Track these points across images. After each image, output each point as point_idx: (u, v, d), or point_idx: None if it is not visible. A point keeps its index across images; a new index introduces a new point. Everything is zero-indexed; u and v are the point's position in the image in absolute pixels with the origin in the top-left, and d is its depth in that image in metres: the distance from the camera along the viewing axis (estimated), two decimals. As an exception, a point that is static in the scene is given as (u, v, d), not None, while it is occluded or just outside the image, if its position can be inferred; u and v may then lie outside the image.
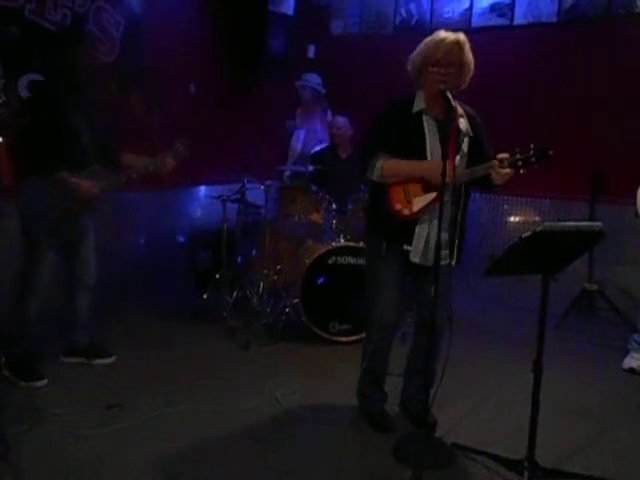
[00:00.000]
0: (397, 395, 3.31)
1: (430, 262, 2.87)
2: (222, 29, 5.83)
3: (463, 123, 2.90)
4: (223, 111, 5.78)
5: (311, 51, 6.67)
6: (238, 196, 4.76)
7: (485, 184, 2.90)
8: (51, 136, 3.31)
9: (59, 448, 2.81)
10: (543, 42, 5.41)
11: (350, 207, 4.53)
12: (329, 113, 5.78)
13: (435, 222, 2.77)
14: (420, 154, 2.88)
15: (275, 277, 4.65)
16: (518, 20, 5.55)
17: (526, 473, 2.61)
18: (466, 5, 5.78)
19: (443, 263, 2.80)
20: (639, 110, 4.80)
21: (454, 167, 2.78)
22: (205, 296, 4.84)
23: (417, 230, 2.90)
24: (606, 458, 2.91)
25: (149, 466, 2.73)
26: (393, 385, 3.31)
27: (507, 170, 2.75)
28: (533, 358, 2.62)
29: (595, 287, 4.94)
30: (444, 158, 2.59)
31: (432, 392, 2.75)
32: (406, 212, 2.89)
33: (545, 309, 2.60)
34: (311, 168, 4.80)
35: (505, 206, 5.74)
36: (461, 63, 2.82)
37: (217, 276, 4.83)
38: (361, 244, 4.29)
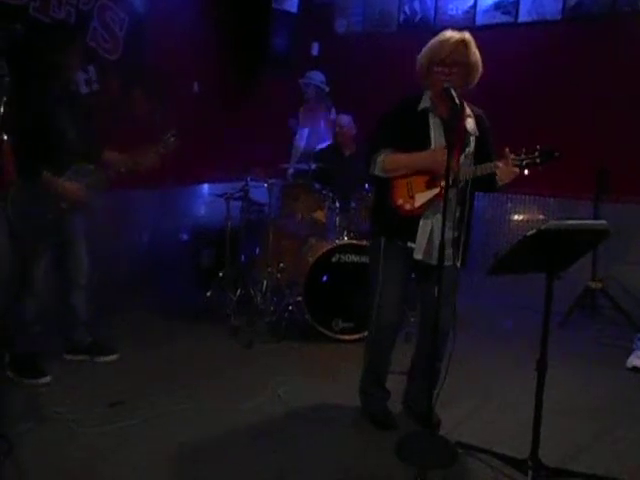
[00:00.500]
0: (400, 393, 3.31)
1: (434, 260, 2.84)
2: (225, 27, 5.82)
3: (470, 123, 2.90)
4: (226, 109, 5.78)
5: (315, 49, 6.65)
6: (241, 194, 4.75)
7: (488, 184, 2.88)
8: (35, 136, 3.27)
9: (62, 446, 2.81)
10: (547, 40, 5.39)
11: (353, 205, 4.53)
12: (333, 111, 5.77)
13: (439, 218, 2.75)
14: None
15: (278, 275, 4.65)
16: (522, 18, 5.53)
17: (530, 472, 2.60)
18: (470, 3, 5.76)
19: (448, 263, 2.77)
20: (644, 108, 4.79)
21: (458, 161, 2.77)
22: (208, 294, 4.84)
23: (420, 226, 2.88)
24: (610, 457, 2.90)
25: (151, 464, 2.73)
26: (396, 383, 3.31)
27: (514, 169, 2.74)
28: (537, 357, 2.62)
29: (599, 286, 4.93)
30: (449, 156, 2.58)
31: (436, 391, 2.75)
32: (408, 207, 2.88)
33: (549, 308, 2.59)
34: (314, 166, 4.79)
35: (509, 204, 5.73)
36: (467, 62, 2.82)
37: (220, 274, 4.83)
38: (364, 242, 4.29)
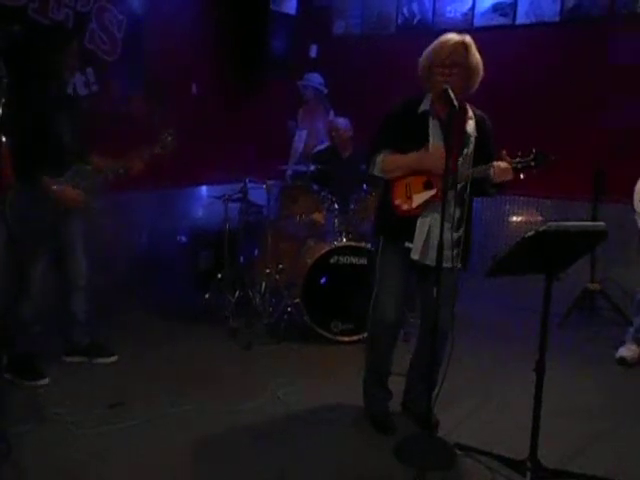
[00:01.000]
0: (400, 395, 3.31)
1: (430, 261, 2.85)
2: (224, 29, 5.83)
3: (471, 125, 2.91)
4: (225, 111, 5.78)
5: (313, 51, 6.66)
6: (240, 196, 4.76)
7: (482, 189, 2.88)
8: (33, 137, 3.27)
9: (61, 447, 2.81)
10: (545, 42, 5.40)
11: (352, 207, 4.53)
12: (331, 113, 5.78)
13: (437, 219, 2.77)
14: None
15: (277, 277, 4.65)
16: (520, 20, 5.54)
17: (529, 473, 2.61)
18: (468, 5, 5.77)
19: (446, 265, 2.76)
20: (641, 110, 4.80)
21: (456, 163, 2.78)
22: (207, 296, 4.84)
23: (418, 226, 2.90)
24: (609, 458, 2.90)
25: (150, 465, 2.73)
26: (396, 384, 3.31)
27: (506, 165, 2.75)
28: (535, 358, 2.62)
29: (597, 287, 4.94)
30: (447, 157, 2.60)
31: (434, 393, 2.75)
32: (405, 207, 2.91)
33: (548, 309, 2.60)
34: (313, 167, 4.80)
35: (507, 206, 5.73)
36: (466, 64, 2.83)
37: (219, 276, 4.83)
38: (363, 244, 4.29)
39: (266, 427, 3.12)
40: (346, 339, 4.27)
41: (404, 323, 4.19)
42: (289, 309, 4.44)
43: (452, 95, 2.66)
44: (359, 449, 2.96)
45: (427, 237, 2.89)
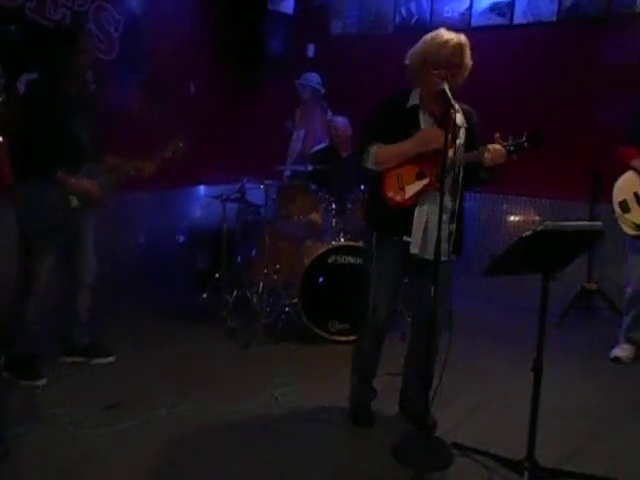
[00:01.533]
0: (398, 394, 3.31)
1: (430, 255, 2.83)
2: (221, 28, 5.83)
3: (459, 117, 2.91)
4: (223, 110, 5.78)
5: (311, 50, 6.67)
6: (238, 196, 4.75)
7: (476, 174, 2.87)
8: (48, 136, 3.30)
9: (59, 448, 2.81)
10: (543, 41, 5.41)
11: (349, 206, 4.53)
12: (329, 113, 5.77)
13: (433, 211, 2.79)
14: None
15: (275, 277, 4.65)
16: (518, 19, 5.55)
17: (526, 473, 2.62)
18: (466, 4, 5.78)
19: (444, 259, 2.76)
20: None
21: (454, 150, 2.79)
22: (205, 296, 4.84)
23: (415, 219, 2.88)
24: (606, 457, 2.91)
25: (148, 466, 2.73)
26: (394, 384, 3.32)
27: (499, 147, 2.76)
28: (533, 357, 2.63)
29: (594, 287, 4.94)
30: (445, 151, 2.62)
31: (431, 393, 2.76)
32: (398, 198, 2.89)
33: (545, 308, 2.60)
34: (311, 167, 4.79)
35: (505, 205, 5.74)
36: (462, 65, 2.84)
37: (217, 276, 4.83)
38: (360, 243, 4.29)
39: (264, 427, 3.12)
40: (343, 339, 4.27)
41: (402, 322, 4.23)
42: (287, 309, 4.44)
43: (449, 95, 2.68)
44: (357, 449, 2.97)
45: (425, 230, 2.87)
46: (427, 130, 2.85)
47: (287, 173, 5.51)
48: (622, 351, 4.06)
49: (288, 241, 4.77)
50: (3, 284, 3.57)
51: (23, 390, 3.35)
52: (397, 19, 6.24)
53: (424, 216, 2.87)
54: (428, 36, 2.88)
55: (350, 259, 4.31)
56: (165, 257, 5.31)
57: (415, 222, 2.87)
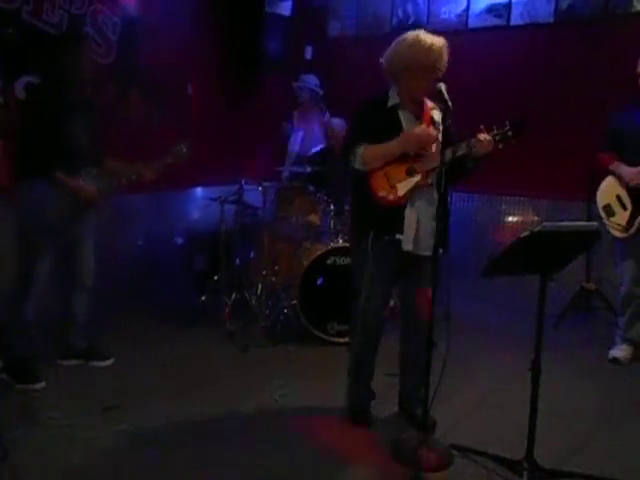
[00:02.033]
0: (399, 395, 3.31)
1: (421, 250, 2.89)
2: (219, 30, 5.84)
3: (436, 114, 2.99)
4: (221, 112, 5.78)
5: (308, 52, 6.67)
6: (236, 197, 4.75)
7: (463, 165, 2.91)
8: (48, 138, 3.31)
9: (57, 451, 2.81)
10: (540, 43, 5.42)
11: (347, 208, 4.52)
12: (327, 114, 5.78)
13: (424, 206, 2.88)
14: None
15: (273, 278, 4.65)
16: (515, 21, 5.56)
17: (525, 473, 2.62)
18: (463, 6, 5.78)
19: (429, 254, 2.83)
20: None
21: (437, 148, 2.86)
22: (203, 298, 4.84)
23: (406, 216, 2.90)
24: (605, 457, 2.91)
25: (146, 468, 2.72)
26: (393, 385, 3.32)
27: (486, 136, 2.81)
28: (531, 358, 2.63)
29: (593, 287, 4.94)
30: (443, 149, 2.67)
31: (431, 393, 2.76)
32: (391, 197, 2.91)
33: (543, 309, 2.61)
34: (309, 169, 4.80)
35: (503, 206, 5.75)
36: (442, 68, 2.90)
37: (215, 278, 4.83)
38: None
39: (263, 429, 3.11)
40: (342, 340, 4.26)
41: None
42: (285, 311, 4.43)
43: (446, 95, 2.70)
44: (356, 449, 2.96)
45: (417, 226, 2.90)
46: (418, 128, 2.90)
47: (285, 175, 5.51)
48: (620, 352, 4.07)
49: (286, 243, 4.76)
50: (1, 286, 3.57)
51: (21, 393, 3.35)
52: (394, 20, 6.24)
53: (415, 213, 2.90)
54: (408, 39, 2.91)
55: (349, 260, 4.30)
56: (164, 259, 5.31)
57: (407, 219, 2.90)
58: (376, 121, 2.96)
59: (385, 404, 3.30)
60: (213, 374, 3.75)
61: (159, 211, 5.45)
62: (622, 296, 4.09)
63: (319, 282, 4.31)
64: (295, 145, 5.80)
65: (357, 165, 2.94)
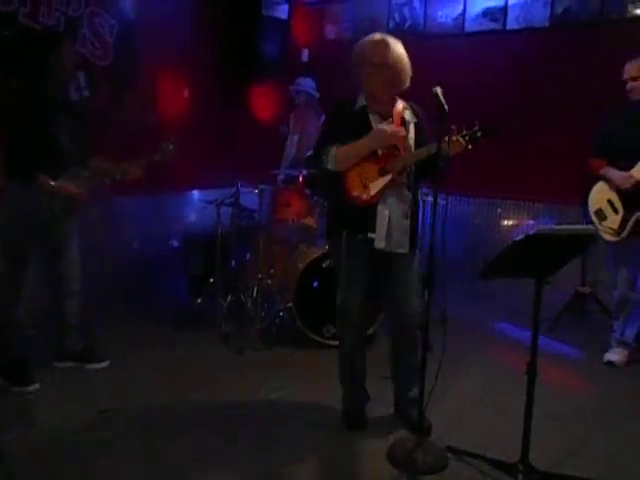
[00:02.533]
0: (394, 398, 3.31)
1: (393, 247, 2.97)
2: (216, 33, 5.84)
3: (407, 113, 3.06)
4: (217, 115, 5.79)
5: (305, 55, 6.68)
6: (232, 200, 4.75)
7: (434, 164, 2.88)
8: (30, 138, 3.28)
9: (52, 453, 2.80)
10: (536, 47, 5.44)
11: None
12: (323, 117, 5.78)
13: (396, 205, 2.97)
14: None
15: (269, 281, 4.65)
16: (511, 25, 5.57)
17: (520, 476, 2.62)
18: (459, 10, 5.80)
19: (403, 250, 2.99)
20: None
21: (406, 148, 2.96)
22: (199, 300, 4.83)
23: (378, 214, 2.96)
24: (600, 460, 2.91)
25: (142, 471, 2.72)
26: (388, 387, 3.32)
27: (456, 137, 2.84)
28: (527, 361, 2.63)
29: (588, 290, 4.95)
30: (438, 149, 2.71)
31: (426, 396, 2.77)
32: (364, 197, 2.97)
33: (539, 312, 2.61)
34: (305, 172, 4.80)
35: (499, 210, 5.76)
36: (388, 63, 2.94)
37: (211, 280, 4.83)
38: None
39: (259, 431, 3.11)
40: (338, 343, 4.26)
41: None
42: (281, 313, 4.43)
43: (442, 99, 2.72)
44: (352, 452, 2.96)
45: (389, 224, 2.97)
46: (385, 129, 2.95)
47: (281, 177, 5.51)
48: (615, 355, 4.08)
49: (282, 245, 4.76)
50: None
51: (15, 395, 3.34)
52: (391, 24, 6.25)
53: (386, 211, 2.97)
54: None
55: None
56: (159, 261, 5.30)
57: (378, 217, 2.96)
58: (346, 122, 3.02)
59: (381, 406, 3.30)
60: (209, 376, 3.75)
61: (155, 213, 5.45)
62: (616, 300, 4.10)
63: (315, 285, 4.31)
64: (291, 148, 5.80)
65: (330, 166, 3.00)
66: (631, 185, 3.81)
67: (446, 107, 2.71)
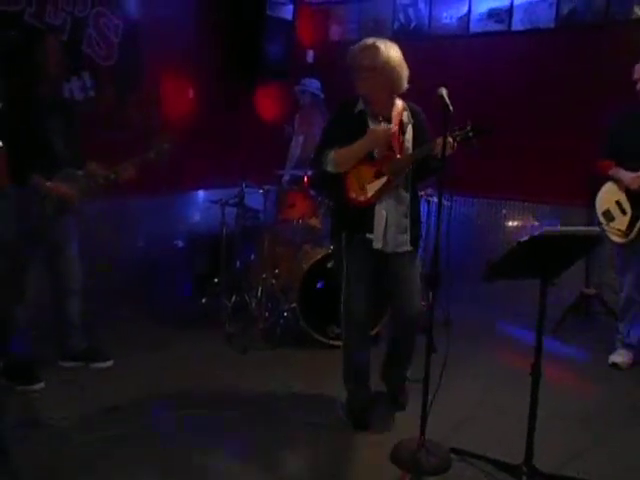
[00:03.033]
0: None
1: (391, 248, 3.04)
2: (221, 33, 5.85)
3: (405, 115, 3.10)
4: (222, 115, 5.79)
5: (310, 56, 6.69)
6: (237, 200, 4.76)
7: (428, 165, 3.02)
8: (22, 139, 3.26)
9: (56, 452, 2.81)
10: (541, 48, 5.43)
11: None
12: (327, 118, 5.77)
13: (393, 206, 3.03)
14: None
15: (273, 281, 4.65)
16: (516, 26, 5.56)
17: (524, 478, 2.62)
18: (464, 11, 5.79)
19: (404, 249, 3.06)
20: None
21: (402, 150, 3.03)
22: (203, 300, 4.84)
23: (376, 215, 3.03)
24: (604, 462, 2.91)
25: (146, 470, 2.73)
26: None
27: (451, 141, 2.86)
28: (531, 362, 2.63)
29: (593, 292, 4.94)
30: (443, 152, 2.71)
31: (430, 397, 2.77)
32: (361, 198, 3.05)
33: (543, 313, 2.61)
34: (309, 172, 4.80)
35: (504, 211, 5.75)
36: (375, 68, 2.98)
37: (216, 280, 4.83)
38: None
39: (262, 432, 3.11)
40: (342, 343, 4.26)
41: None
42: (285, 314, 4.43)
43: (447, 99, 2.73)
44: (355, 453, 2.97)
45: (386, 225, 3.03)
46: (376, 129, 3.01)
47: (286, 178, 5.52)
48: (620, 357, 4.07)
49: (287, 246, 4.76)
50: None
51: (21, 394, 3.35)
52: (396, 25, 6.25)
53: (384, 213, 3.03)
54: None
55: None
56: (164, 261, 5.31)
57: (376, 218, 3.04)
58: (345, 125, 3.09)
59: (384, 407, 3.30)
60: (212, 376, 3.75)
61: (160, 213, 5.45)
62: (622, 303, 4.09)
63: (319, 286, 4.31)
64: (296, 149, 5.80)
65: (329, 168, 3.09)
66: None
67: (451, 108, 2.71)
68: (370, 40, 3.05)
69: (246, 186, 4.73)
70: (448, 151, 2.82)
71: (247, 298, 4.67)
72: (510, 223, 5.74)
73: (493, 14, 5.65)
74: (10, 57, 3.69)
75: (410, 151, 3.06)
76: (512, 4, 5.55)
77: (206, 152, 5.47)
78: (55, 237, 3.57)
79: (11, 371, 3.45)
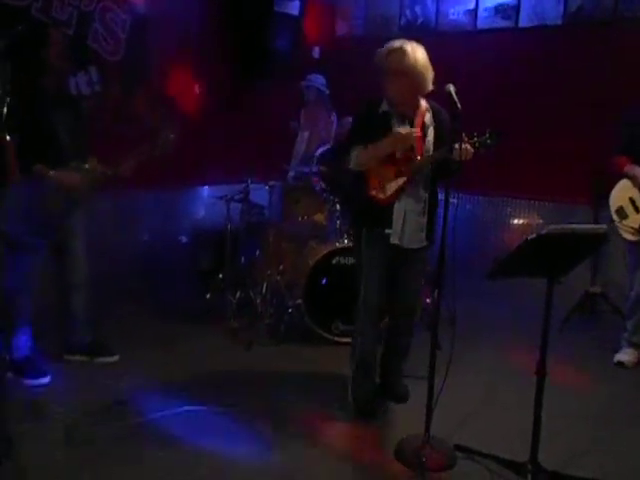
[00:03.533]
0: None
1: (406, 243, 3.15)
2: (227, 29, 5.85)
3: (428, 116, 3.16)
4: (228, 111, 5.79)
5: (316, 52, 6.68)
6: (242, 196, 4.76)
7: (447, 167, 3.00)
8: (27, 132, 3.25)
9: (61, 446, 2.82)
10: (548, 45, 5.41)
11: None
12: (333, 114, 5.77)
13: (411, 204, 3.12)
14: None
15: (278, 277, 4.65)
16: (523, 22, 5.55)
17: (529, 476, 2.62)
18: (471, 7, 5.78)
19: (419, 246, 3.18)
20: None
21: (422, 151, 3.10)
22: (208, 296, 4.85)
23: (395, 212, 3.13)
24: (609, 461, 2.90)
25: (151, 465, 2.73)
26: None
27: (466, 144, 2.89)
28: (536, 360, 2.62)
29: (598, 290, 4.93)
30: (451, 149, 2.77)
31: (435, 393, 2.77)
32: (381, 196, 3.14)
33: (549, 311, 2.61)
34: (315, 168, 4.79)
35: (509, 209, 5.74)
36: (402, 71, 3.03)
37: (220, 276, 4.84)
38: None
39: (267, 427, 3.11)
40: (346, 340, 4.25)
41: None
42: (290, 310, 4.43)
43: (455, 96, 2.74)
44: (359, 450, 2.97)
45: (404, 222, 3.13)
46: (400, 132, 3.07)
47: (291, 174, 5.51)
48: (625, 356, 4.06)
49: (292, 242, 4.76)
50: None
51: (26, 388, 3.36)
52: (402, 21, 6.24)
53: (402, 210, 3.13)
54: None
55: (354, 260, 4.30)
56: (169, 257, 5.32)
57: (395, 215, 3.13)
58: (370, 124, 3.15)
59: (389, 403, 3.30)
60: (217, 372, 3.76)
61: (165, 209, 5.46)
62: (631, 301, 4.07)
63: (324, 282, 4.31)
64: (301, 144, 5.79)
65: (353, 166, 3.18)
66: None
67: (459, 105, 2.70)
68: (397, 42, 3.07)
69: (251, 182, 4.73)
70: (467, 156, 2.88)
71: (252, 294, 4.68)
72: (515, 221, 5.73)
73: (500, 10, 5.63)
74: (17, 51, 3.68)
75: (430, 152, 3.13)
76: (519, 0, 5.53)
77: (212, 148, 5.48)
78: (62, 231, 3.57)
79: (17, 364, 3.46)
